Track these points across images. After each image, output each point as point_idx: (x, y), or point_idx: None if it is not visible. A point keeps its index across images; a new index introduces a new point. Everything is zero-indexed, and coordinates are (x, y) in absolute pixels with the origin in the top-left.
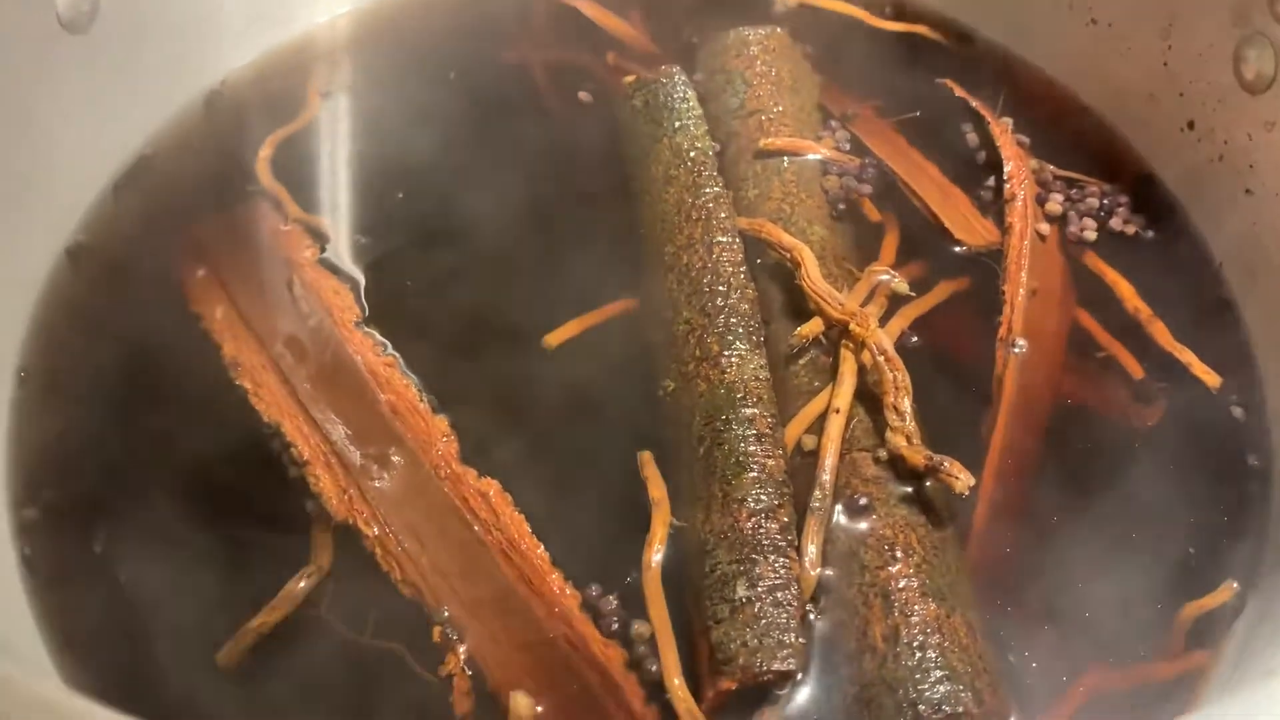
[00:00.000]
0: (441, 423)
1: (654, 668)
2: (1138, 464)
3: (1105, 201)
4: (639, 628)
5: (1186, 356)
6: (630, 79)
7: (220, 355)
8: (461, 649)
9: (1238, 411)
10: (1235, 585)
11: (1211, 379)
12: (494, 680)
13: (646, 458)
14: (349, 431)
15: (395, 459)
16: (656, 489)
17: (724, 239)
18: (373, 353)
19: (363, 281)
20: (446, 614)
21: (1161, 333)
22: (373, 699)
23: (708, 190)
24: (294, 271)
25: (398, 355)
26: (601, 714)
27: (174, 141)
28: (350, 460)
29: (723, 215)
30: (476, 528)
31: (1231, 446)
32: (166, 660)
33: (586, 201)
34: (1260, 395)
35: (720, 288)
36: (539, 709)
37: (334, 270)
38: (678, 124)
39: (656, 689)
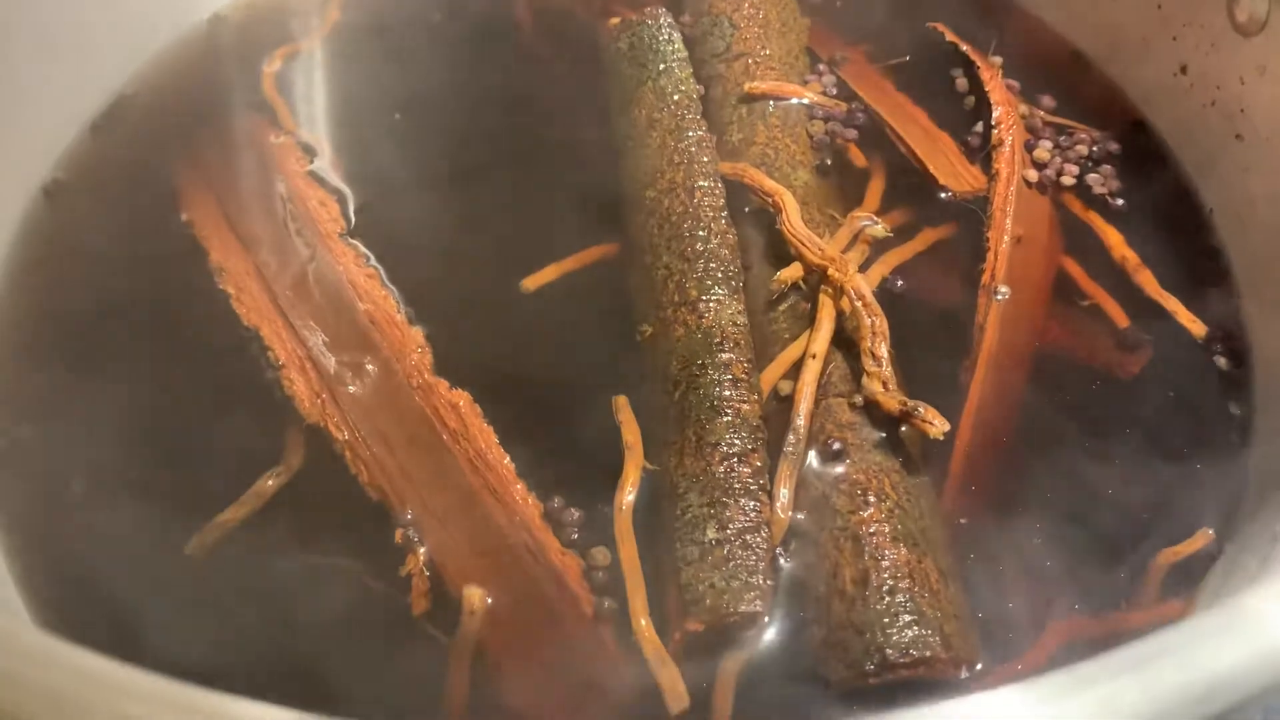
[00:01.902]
0: (417, 334)
1: (607, 603)
2: (1119, 412)
3: (1095, 149)
4: (595, 553)
5: (1172, 304)
6: (615, 20)
7: (205, 270)
8: (422, 551)
9: (1221, 361)
10: (1211, 533)
11: (1197, 327)
12: (452, 583)
13: (621, 402)
14: (326, 338)
15: (369, 367)
16: (630, 433)
17: (705, 183)
18: (355, 263)
19: (350, 196)
20: (410, 517)
21: (1148, 281)
22: (333, 596)
23: (691, 134)
24: (283, 182)
25: (380, 268)
26: (555, 619)
27: (154, 79)
28: (325, 366)
29: (705, 159)
30: (445, 436)
31: (1214, 395)
32: (136, 549)
33: (569, 143)
34: (1245, 344)
35: (700, 232)
36: (489, 600)
37: (322, 183)
38: (662, 66)
39: (614, 613)
